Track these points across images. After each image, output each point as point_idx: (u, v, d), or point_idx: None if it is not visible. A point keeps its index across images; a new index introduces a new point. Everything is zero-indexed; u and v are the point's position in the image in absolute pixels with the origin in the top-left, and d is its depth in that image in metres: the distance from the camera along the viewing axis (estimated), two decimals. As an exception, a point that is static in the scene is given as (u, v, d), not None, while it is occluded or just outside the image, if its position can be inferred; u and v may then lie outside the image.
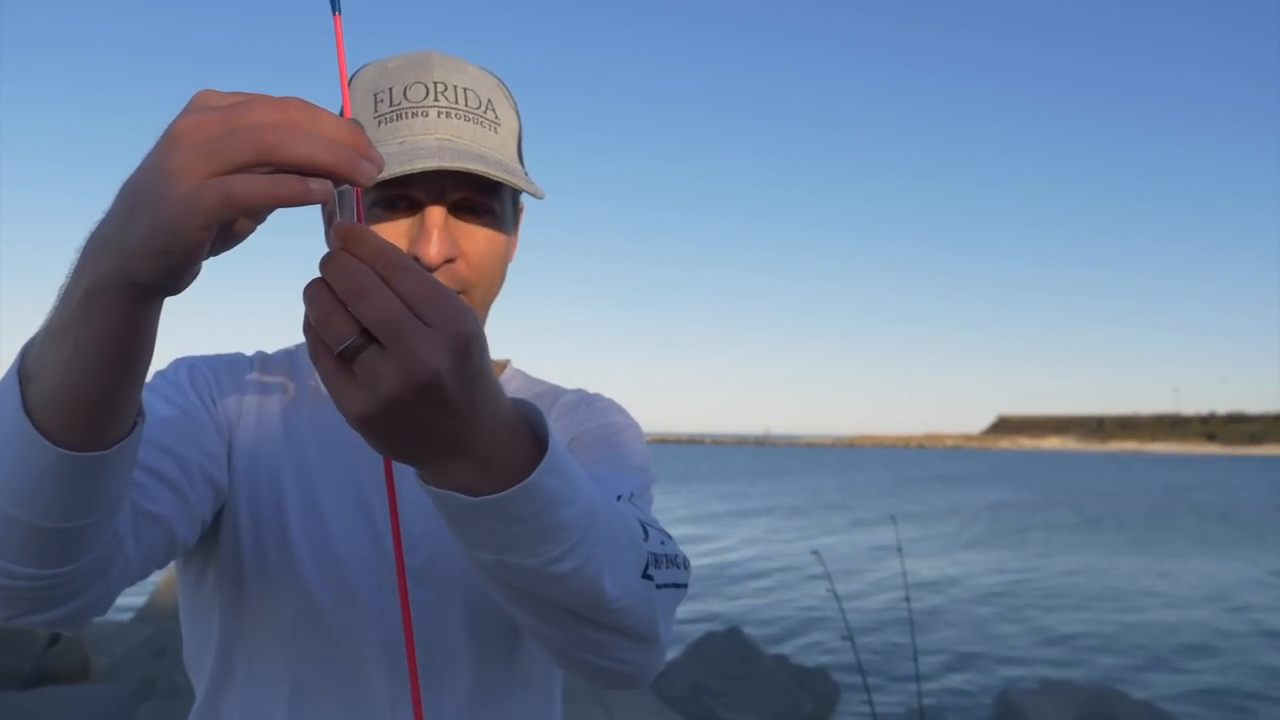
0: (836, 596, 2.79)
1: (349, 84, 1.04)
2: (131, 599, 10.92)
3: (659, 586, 0.84)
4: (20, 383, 0.64)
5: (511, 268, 1.07)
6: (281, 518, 1.01)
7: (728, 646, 7.02)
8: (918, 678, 2.81)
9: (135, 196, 0.56)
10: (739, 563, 17.45)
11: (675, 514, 27.67)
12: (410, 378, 0.59)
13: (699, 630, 8.19)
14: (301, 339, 1.14)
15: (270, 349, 1.15)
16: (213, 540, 1.02)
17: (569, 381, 1.21)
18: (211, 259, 0.60)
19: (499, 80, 1.06)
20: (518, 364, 1.22)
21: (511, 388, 1.17)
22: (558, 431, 1.11)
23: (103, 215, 0.60)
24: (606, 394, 1.19)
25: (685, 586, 0.90)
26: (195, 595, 1.05)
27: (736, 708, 6.40)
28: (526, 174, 1.04)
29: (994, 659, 10.34)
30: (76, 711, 5.25)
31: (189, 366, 1.06)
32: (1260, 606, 13.77)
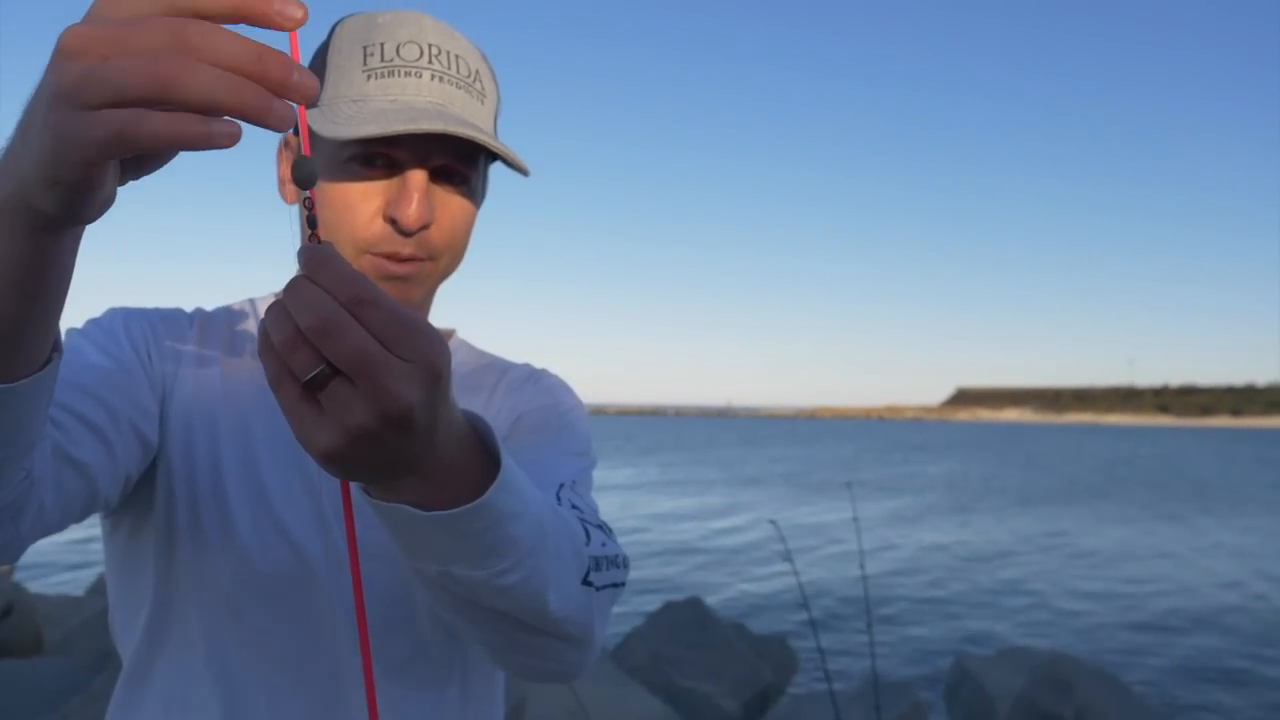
0: (793, 565, 2.81)
1: (330, 33, 1.01)
2: (83, 572, 10.80)
3: (598, 589, 0.85)
4: None
5: (476, 236, 1.06)
6: (219, 481, 0.98)
7: (687, 616, 7.06)
8: (871, 645, 2.84)
9: (29, 118, 0.52)
10: (698, 532, 17.55)
11: (637, 485, 27.76)
12: (382, 411, 0.57)
13: (658, 600, 8.23)
14: (244, 296, 1.13)
15: (209, 306, 1.11)
16: (146, 503, 0.99)
17: (533, 356, 1.19)
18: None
19: (483, 54, 1.05)
20: (462, 334, 1.19)
21: (456, 360, 1.14)
22: (503, 410, 1.11)
23: (12, 129, 0.55)
24: (572, 368, 1.18)
25: (623, 585, 0.91)
26: (127, 559, 1.03)
27: (696, 676, 6.44)
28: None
29: (949, 627, 10.50)
30: (29, 685, 5.19)
31: (125, 316, 1.01)
32: (1217, 573, 14.09)
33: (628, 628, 7.34)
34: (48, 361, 0.65)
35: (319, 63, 1.01)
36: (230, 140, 0.49)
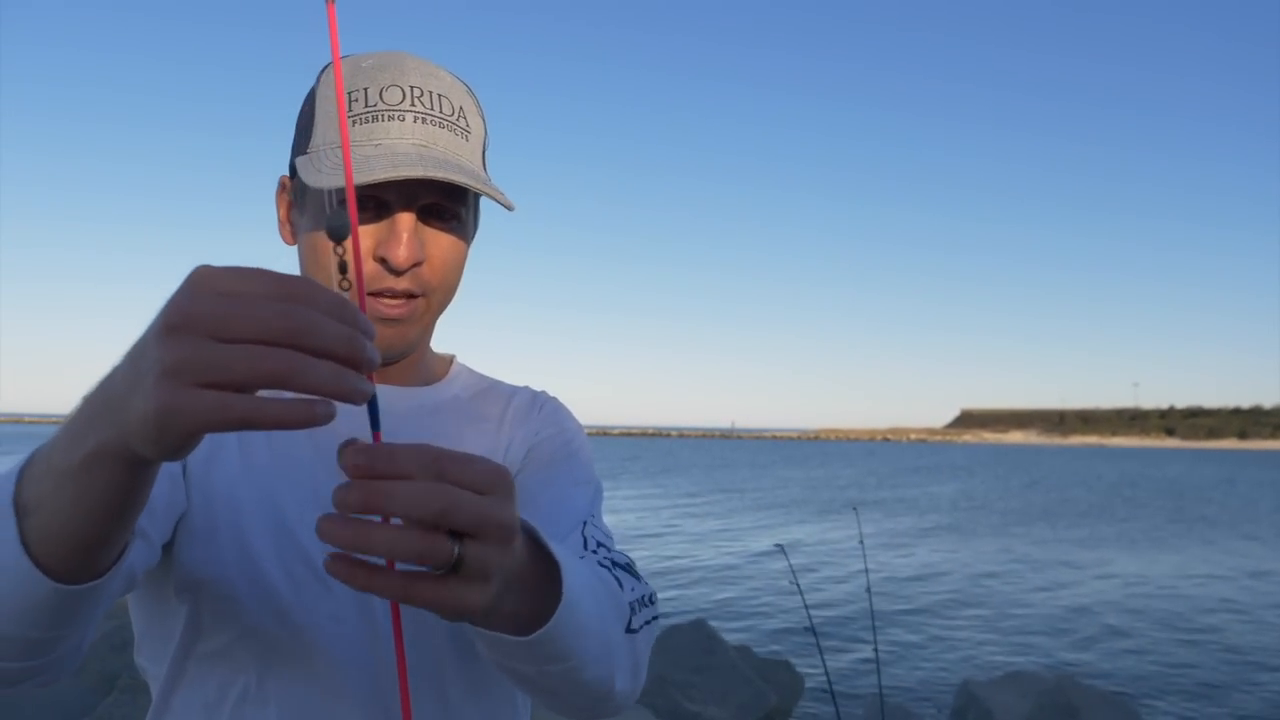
0: (799, 588, 2.82)
1: (319, 78, 1.04)
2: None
3: (638, 631, 0.91)
4: (16, 513, 0.65)
5: (476, 260, 1.09)
6: (238, 517, 0.99)
7: (692, 639, 7.04)
8: (878, 668, 2.85)
9: (134, 376, 0.55)
10: (704, 555, 17.49)
11: (641, 508, 27.68)
12: (508, 548, 0.63)
13: (664, 623, 8.22)
14: None
15: None
16: (168, 546, 0.99)
17: (536, 378, 1.22)
18: None
19: (468, 87, 1.07)
20: (462, 359, 1.21)
21: (459, 384, 1.17)
22: (514, 442, 1.14)
23: (111, 370, 0.59)
24: (574, 390, 1.21)
25: (658, 618, 0.96)
26: (149, 597, 1.03)
27: (701, 700, 6.42)
28: (490, 183, 1.05)
29: (956, 650, 10.46)
30: (35, 707, 5.19)
31: None
32: (1221, 595, 14.02)
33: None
34: (125, 546, 0.71)
35: (308, 109, 1.03)
36: (328, 419, 0.53)
